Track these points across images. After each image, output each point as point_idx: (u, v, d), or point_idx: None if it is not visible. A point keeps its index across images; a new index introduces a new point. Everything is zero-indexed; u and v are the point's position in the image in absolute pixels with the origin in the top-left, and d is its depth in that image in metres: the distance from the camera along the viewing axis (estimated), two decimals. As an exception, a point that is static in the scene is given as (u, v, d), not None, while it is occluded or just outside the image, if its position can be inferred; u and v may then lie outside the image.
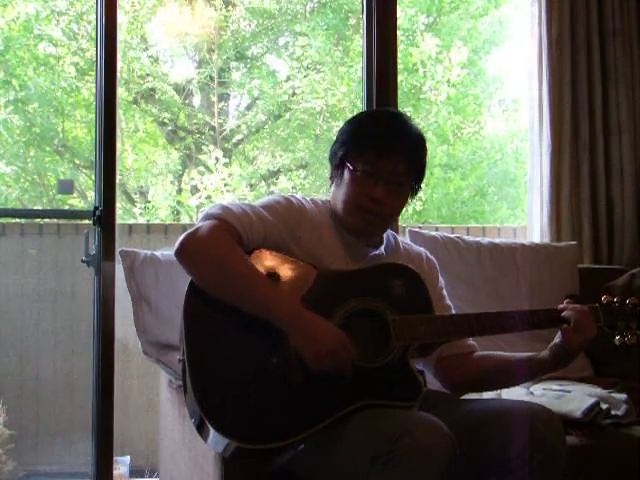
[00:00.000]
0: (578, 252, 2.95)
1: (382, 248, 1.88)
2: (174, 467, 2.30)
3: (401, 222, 3.36)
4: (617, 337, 1.76)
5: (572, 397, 2.18)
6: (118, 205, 2.95)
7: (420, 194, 2.01)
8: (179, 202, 6.43)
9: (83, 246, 2.81)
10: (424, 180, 1.88)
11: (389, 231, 1.94)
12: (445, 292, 1.95)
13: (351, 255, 1.83)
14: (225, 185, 6.22)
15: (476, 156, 6.97)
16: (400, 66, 4.08)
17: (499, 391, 2.28)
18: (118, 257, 2.34)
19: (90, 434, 2.81)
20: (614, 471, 2.09)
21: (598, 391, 2.30)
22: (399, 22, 3.24)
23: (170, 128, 6.65)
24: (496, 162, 7.02)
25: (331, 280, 1.73)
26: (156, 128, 6.67)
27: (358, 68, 6.09)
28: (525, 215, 3.50)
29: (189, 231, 1.69)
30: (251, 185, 6.57)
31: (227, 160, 6.40)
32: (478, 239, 2.77)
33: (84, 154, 6.01)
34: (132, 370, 3.90)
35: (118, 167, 2.87)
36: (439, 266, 1.99)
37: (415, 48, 6.69)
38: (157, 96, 6.51)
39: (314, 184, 6.61)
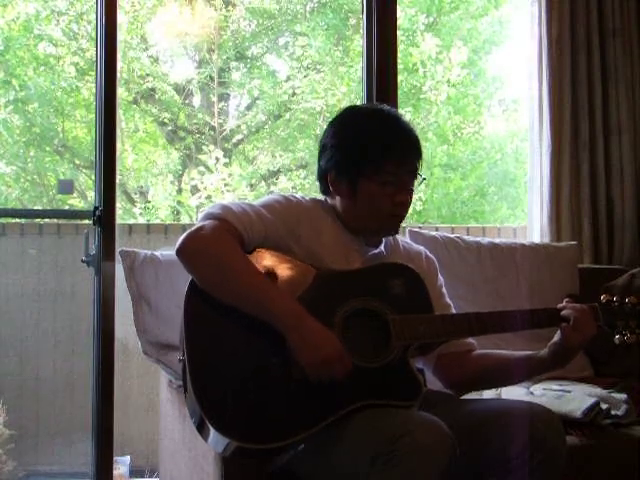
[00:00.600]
0: (578, 252, 2.95)
1: (382, 247, 1.88)
2: (174, 467, 2.30)
3: (401, 222, 3.36)
4: (616, 336, 1.76)
5: (572, 397, 2.18)
6: (118, 205, 2.95)
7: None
8: (179, 202, 6.43)
9: (83, 246, 2.81)
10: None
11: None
12: (445, 290, 1.95)
13: (351, 254, 1.83)
14: (225, 185, 6.21)
15: (476, 156, 6.97)
16: (400, 66, 4.09)
17: (499, 391, 2.29)
18: (118, 257, 2.34)
19: (90, 434, 2.81)
20: (614, 471, 2.09)
21: (598, 391, 2.30)
22: (399, 22, 3.24)
23: (170, 128, 6.65)
24: (496, 162, 7.02)
25: (331, 280, 1.73)
26: (156, 128, 6.67)
27: (358, 68, 6.09)
28: (525, 215, 3.50)
29: (190, 230, 1.69)
30: (251, 185, 6.57)
31: (227, 160, 6.40)
32: (478, 239, 2.77)
33: (84, 154, 6.01)
34: (132, 370, 3.90)
35: (118, 167, 2.87)
36: (439, 266, 1.99)
37: (415, 48, 6.69)
38: (157, 96, 6.51)
39: (314, 184, 6.57)
